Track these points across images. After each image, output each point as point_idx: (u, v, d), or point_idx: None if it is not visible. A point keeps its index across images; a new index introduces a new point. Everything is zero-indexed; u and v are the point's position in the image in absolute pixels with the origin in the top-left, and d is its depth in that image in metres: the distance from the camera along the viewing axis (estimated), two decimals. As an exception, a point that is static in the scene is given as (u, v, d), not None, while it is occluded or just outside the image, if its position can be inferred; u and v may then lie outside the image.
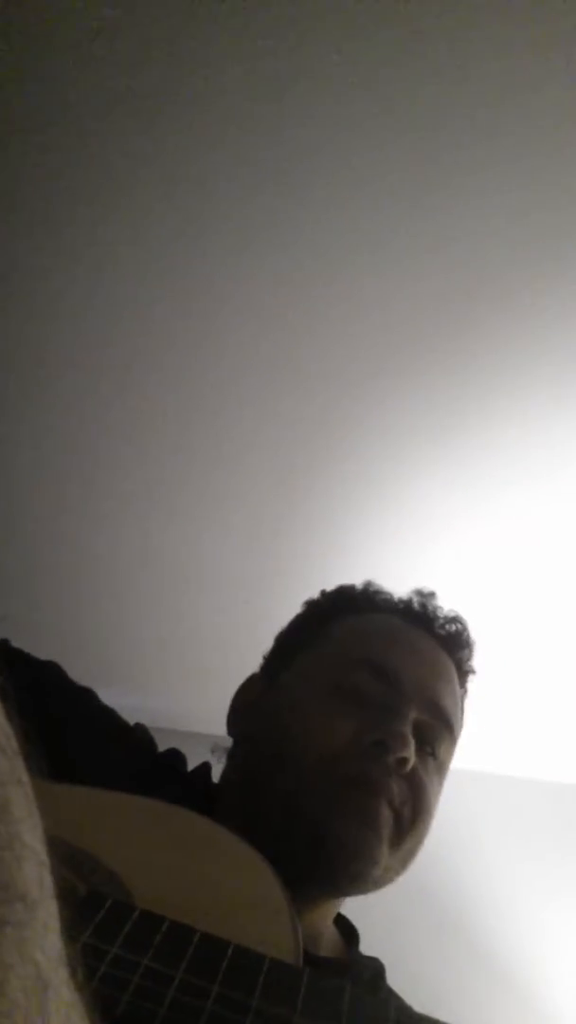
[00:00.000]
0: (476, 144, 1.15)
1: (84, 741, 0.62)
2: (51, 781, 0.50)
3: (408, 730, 0.60)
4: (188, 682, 2.01)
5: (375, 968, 0.63)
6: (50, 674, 0.68)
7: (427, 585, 0.75)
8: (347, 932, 0.68)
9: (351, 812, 0.57)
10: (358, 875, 0.57)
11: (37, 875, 0.20)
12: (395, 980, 0.62)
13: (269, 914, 0.43)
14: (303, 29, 1.06)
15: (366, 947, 0.66)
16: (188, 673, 2.06)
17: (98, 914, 0.37)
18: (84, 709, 0.68)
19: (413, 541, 1.72)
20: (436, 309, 1.37)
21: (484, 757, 2.18)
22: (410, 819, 0.60)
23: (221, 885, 0.46)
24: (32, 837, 0.21)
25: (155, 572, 1.93)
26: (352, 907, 0.69)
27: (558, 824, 2.19)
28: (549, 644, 1.90)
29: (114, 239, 1.35)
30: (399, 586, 0.75)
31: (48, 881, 0.21)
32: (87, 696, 0.69)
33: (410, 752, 0.59)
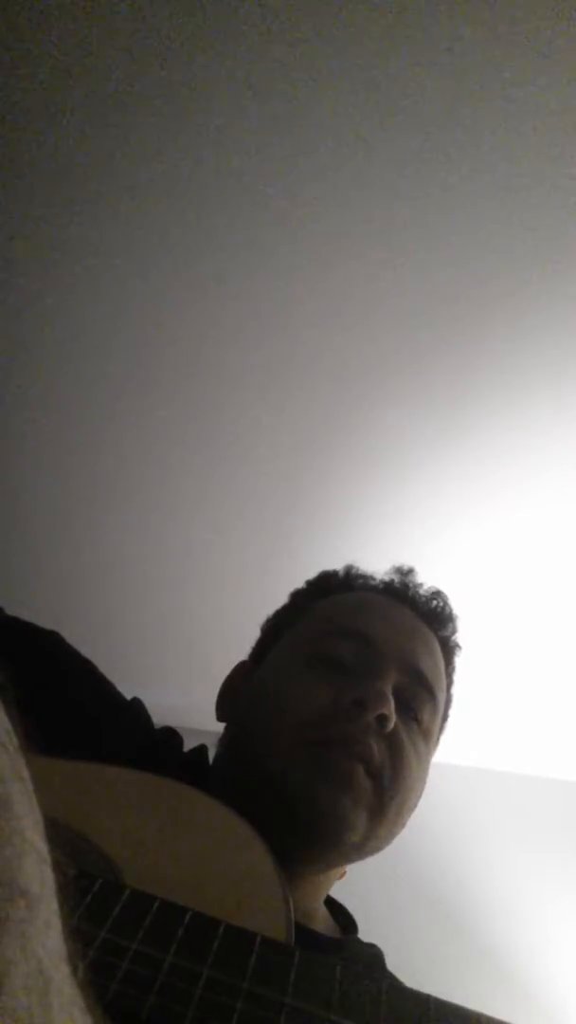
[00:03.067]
0: (477, 145, 1.14)
1: (80, 711, 0.61)
2: (42, 753, 0.50)
3: (387, 689, 0.59)
4: (190, 678, 2.02)
5: (373, 954, 0.62)
6: (50, 643, 0.67)
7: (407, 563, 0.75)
8: (344, 920, 0.67)
9: (323, 773, 0.55)
10: (332, 839, 0.55)
11: (38, 871, 0.20)
12: (396, 973, 0.60)
13: (261, 887, 0.43)
14: (303, 28, 1.04)
15: (366, 940, 0.66)
16: (190, 669, 2.07)
17: (86, 896, 0.37)
18: (83, 679, 0.66)
19: (415, 539, 1.73)
20: (437, 309, 1.37)
21: (488, 754, 2.21)
22: (391, 781, 0.58)
23: (212, 859, 0.45)
24: (33, 833, 0.20)
25: (157, 569, 1.93)
26: (353, 899, 0.68)
27: (561, 821, 2.20)
28: (554, 641, 1.91)
29: (116, 236, 1.34)
30: (382, 570, 0.75)
31: (49, 877, 0.21)
32: (87, 667, 0.68)
33: (390, 709, 0.58)
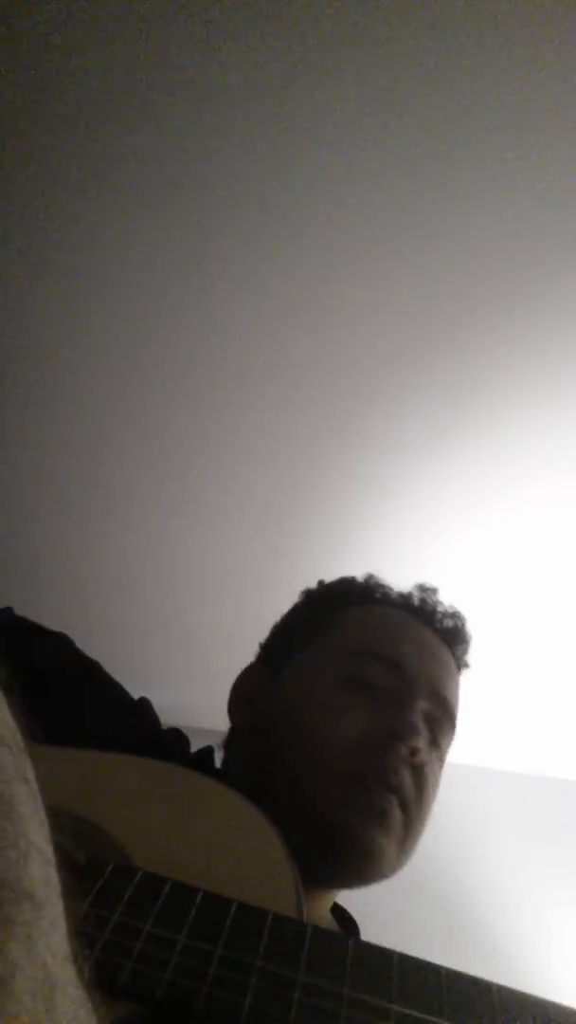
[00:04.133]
0: (475, 144, 1.12)
1: (88, 711, 0.62)
2: (50, 745, 0.50)
3: (420, 720, 0.61)
4: (191, 677, 2.03)
5: None
6: (60, 644, 0.68)
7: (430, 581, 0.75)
8: (345, 923, 0.68)
9: (364, 809, 0.57)
10: (365, 872, 0.58)
11: (43, 873, 0.20)
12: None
13: (272, 871, 0.43)
14: (303, 28, 1.02)
15: (367, 940, 0.67)
16: (191, 669, 2.07)
17: (98, 881, 0.37)
18: (91, 679, 0.67)
19: (416, 540, 1.73)
20: (437, 310, 1.35)
21: (488, 753, 2.23)
22: (417, 811, 0.60)
23: (223, 842, 0.45)
24: (37, 834, 0.20)
25: (158, 569, 1.93)
26: (356, 902, 0.69)
27: (562, 820, 2.20)
28: (554, 641, 1.91)
29: (115, 240, 1.33)
30: (403, 584, 0.75)
31: (54, 879, 0.20)
32: (94, 668, 0.69)
33: (422, 742, 0.60)
